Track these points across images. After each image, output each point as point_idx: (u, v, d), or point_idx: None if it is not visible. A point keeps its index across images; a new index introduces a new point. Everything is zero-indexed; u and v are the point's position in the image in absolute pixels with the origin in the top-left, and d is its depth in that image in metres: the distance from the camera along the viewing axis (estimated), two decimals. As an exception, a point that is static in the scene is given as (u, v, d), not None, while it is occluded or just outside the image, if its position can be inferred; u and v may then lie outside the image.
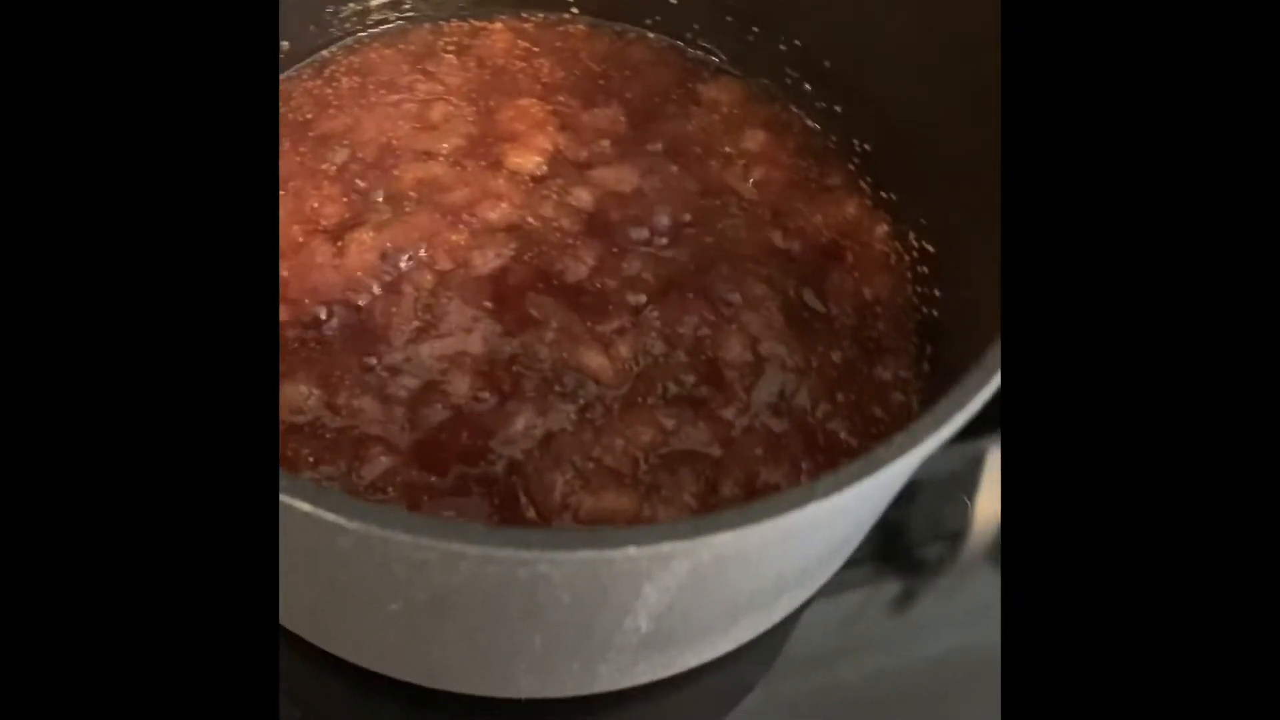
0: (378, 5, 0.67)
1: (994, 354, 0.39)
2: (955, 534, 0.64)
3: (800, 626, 0.58)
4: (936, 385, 0.56)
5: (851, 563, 0.55)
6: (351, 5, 0.66)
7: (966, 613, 0.60)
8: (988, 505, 0.65)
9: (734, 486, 0.54)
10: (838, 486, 0.36)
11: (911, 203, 0.61)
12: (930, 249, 0.60)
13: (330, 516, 0.33)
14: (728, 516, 0.35)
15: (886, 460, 0.36)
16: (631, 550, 0.34)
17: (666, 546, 0.34)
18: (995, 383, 0.39)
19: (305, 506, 0.33)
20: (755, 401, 0.57)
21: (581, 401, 0.56)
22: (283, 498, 0.33)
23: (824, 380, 0.58)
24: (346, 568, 0.38)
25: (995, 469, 0.66)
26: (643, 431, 0.55)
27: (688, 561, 0.36)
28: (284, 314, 0.57)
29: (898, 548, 0.62)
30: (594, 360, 0.57)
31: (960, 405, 0.36)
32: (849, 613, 0.60)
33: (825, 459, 0.56)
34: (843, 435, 0.57)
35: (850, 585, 0.60)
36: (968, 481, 0.65)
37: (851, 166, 0.65)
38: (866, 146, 0.64)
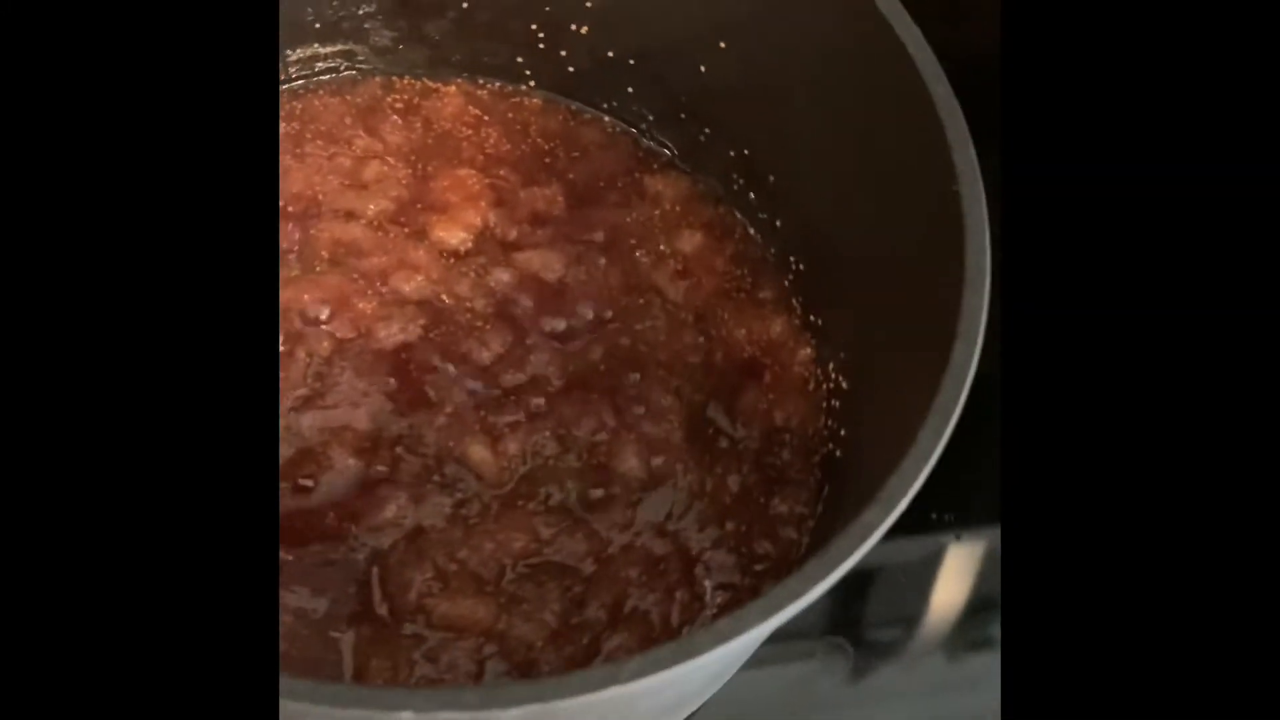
0: (329, 52, 0.65)
1: (863, 524, 0.38)
2: (910, 619, 0.64)
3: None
4: (827, 528, 0.54)
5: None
6: (299, 51, 0.64)
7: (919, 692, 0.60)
8: (944, 595, 0.64)
9: (599, 609, 0.52)
10: (644, 671, 0.33)
11: (837, 332, 0.60)
12: (845, 385, 0.58)
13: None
14: (518, 691, 0.32)
15: (704, 648, 0.34)
16: (407, 715, 0.32)
17: (446, 715, 0.32)
18: (842, 570, 0.37)
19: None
20: (639, 519, 0.55)
21: (459, 496, 0.54)
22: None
23: (715, 506, 0.56)
24: None
25: (954, 560, 0.65)
26: (516, 538, 0.53)
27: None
28: (166, 365, 0.55)
29: (850, 630, 0.62)
30: (479, 454, 0.55)
31: (774, 608, 0.34)
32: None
33: (701, 590, 0.54)
34: (724, 568, 0.54)
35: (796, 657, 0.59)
36: (924, 573, 0.65)
37: (785, 283, 0.63)
38: (802, 266, 0.62)
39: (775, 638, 0.46)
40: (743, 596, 0.54)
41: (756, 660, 0.56)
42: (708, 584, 0.54)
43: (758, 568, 0.55)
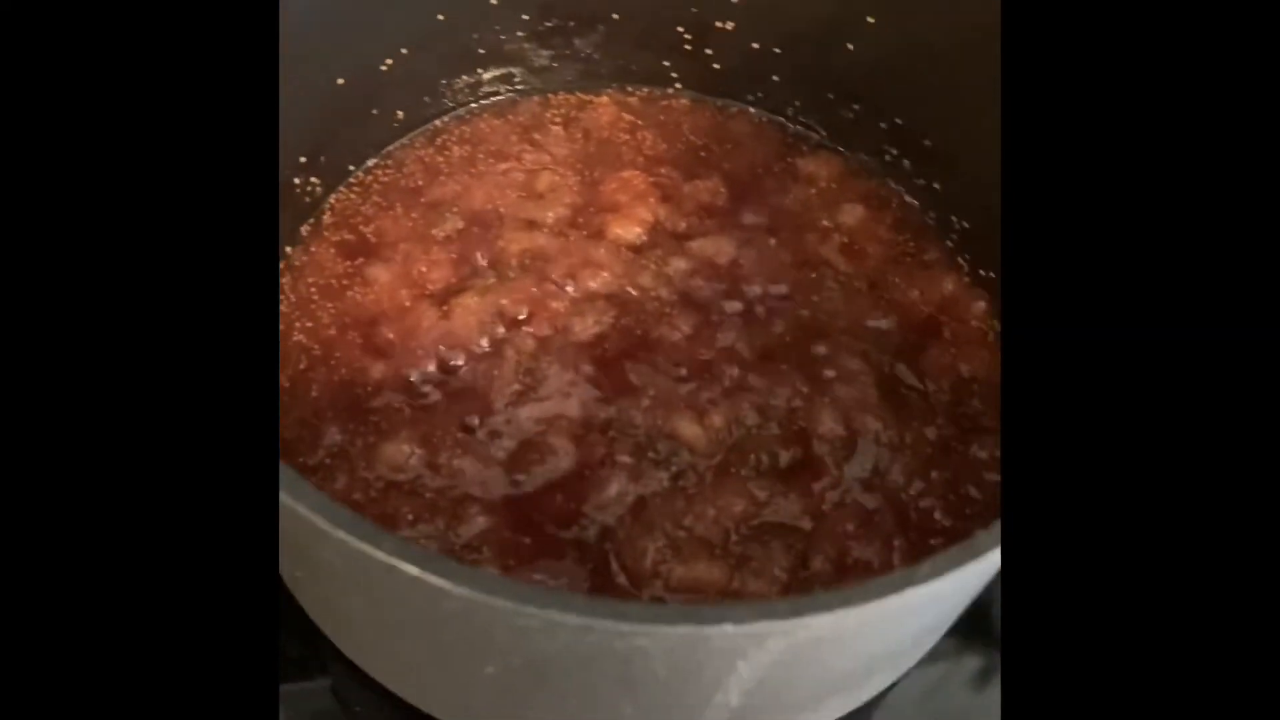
0: (489, 78, 0.69)
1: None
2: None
3: (884, 701, 0.57)
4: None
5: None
6: (464, 78, 0.68)
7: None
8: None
9: (824, 562, 0.54)
10: (937, 572, 0.36)
11: (1011, 281, 0.61)
12: (1029, 329, 0.59)
13: (436, 580, 0.34)
14: (825, 598, 0.35)
15: (987, 546, 0.36)
16: (728, 628, 0.34)
17: (762, 625, 0.34)
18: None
19: (412, 569, 0.34)
20: (848, 476, 0.57)
21: (675, 469, 0.56)
22: (392, 560, 0.34)
23: (918, 457, 0.58)
24: (447, 630, 0.39)
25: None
26: (734, 502, 0.55)
27: (783, 641, 0.36)
28: (388, 374, 0.59)
29: (982, 623, 0.61)
30: (688, 429, 0.57)
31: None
32: (931, 686, 0.59)
33: (918, 537, 0.55)
34: (936, 514, 0.56)
35: (931, 658, 0.59)
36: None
37: (949, 243, 0.66)
38: (965, 224, 0.64)
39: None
40: (959, 540, 0.55)
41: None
42: (924, 530, 0.56)
43: (968, 511, 0.56)
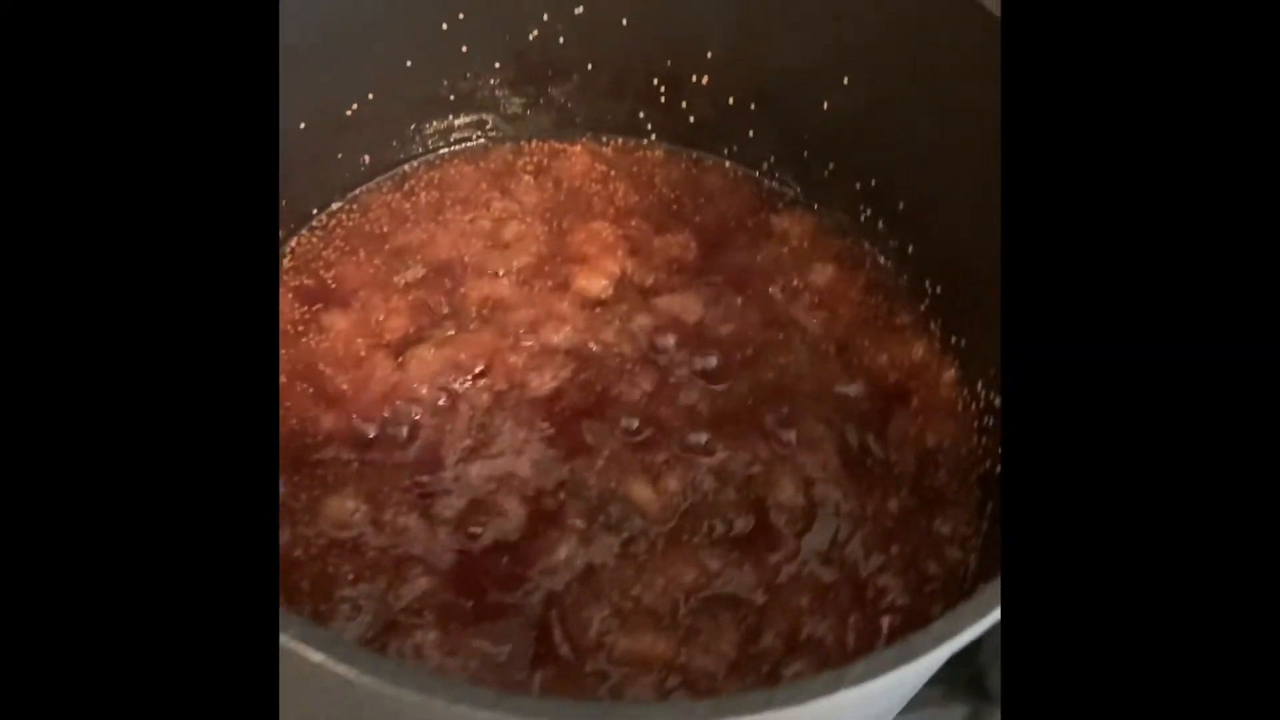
0: (461, 124, 0.68)
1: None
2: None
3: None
4: (993, 545, 0.54)
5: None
6: (435, 123, 0.67)
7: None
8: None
9: (776, 637, 0.52)
10: (870, 674, 0.34)
11: (982, 350, 0.60)
12: (997, 401, 0.58)
13: (341, 669, 0.33)
14: (751, 699, 0.33)
15: (924, 649, 0.34)
16: (644, 728, 0.32)
17: (680, 728, 0.33)
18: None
19: (316, 656, 0.33)
20: (805, 548, 0.55)
21: (626, 535, 0.55)
22: (293, 645, 0.33)
23: (879, 530, 0.56)
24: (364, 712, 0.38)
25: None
26: (685, 572, 0.54)
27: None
28: (338, 426, 0.57)
29: (966, 671, 0.60)
30: (641, 492, 0.56)
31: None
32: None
33: (874, 614, 0.54)
34: (893, 592, 0.54)
35: (916, 707, 0.57)
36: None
37: (922, 307, 0.64)
38: (938, 288, 0.63)
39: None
40: (915, 618, 0.54)
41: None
42: (879, 607, 0.54)
43: (927, 589, 0.55)
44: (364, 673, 0.33)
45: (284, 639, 0.33)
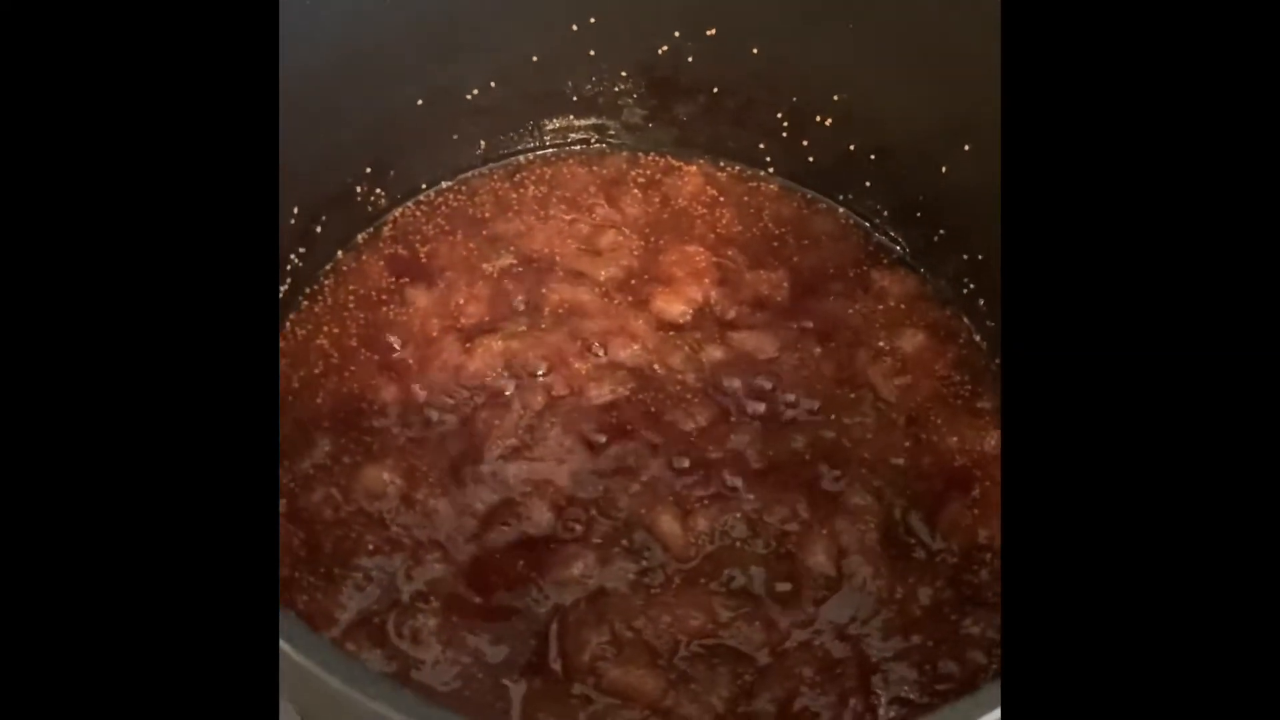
0: (581, 125, 0.69)
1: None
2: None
3: None
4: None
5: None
6: (556, 120, 0.68)
7: None
8: None
9: (769, 702, 0.51)
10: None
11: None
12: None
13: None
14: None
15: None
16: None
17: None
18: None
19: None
20: (821, 617, 0.54)
21: (644, 564, 0.54)
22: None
23: (904, 617, 0.54)
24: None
25: None
26: (694, 615, 0.53)
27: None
28: (395, 399, 0.58)
29: None
30: (668, 525, 0.55)
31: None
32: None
33: (876, 702, 0.51)
34: (904, 684, 0.52)
35: None
36: None
37: (1007, 395, 0.61)
38: (1027, 379, 0.60)
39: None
40: (918, 715, 0.51)
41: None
42: (883, 696, 0.52)
43: (940, 688, 0.52)
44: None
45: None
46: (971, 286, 0.63)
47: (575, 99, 0.67)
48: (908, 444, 0.59)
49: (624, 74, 0.66)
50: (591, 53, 0.64)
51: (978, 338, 0.64)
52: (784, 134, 0.67)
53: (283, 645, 0.33)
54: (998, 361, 0.62)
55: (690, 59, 0.65)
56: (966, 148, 0.59)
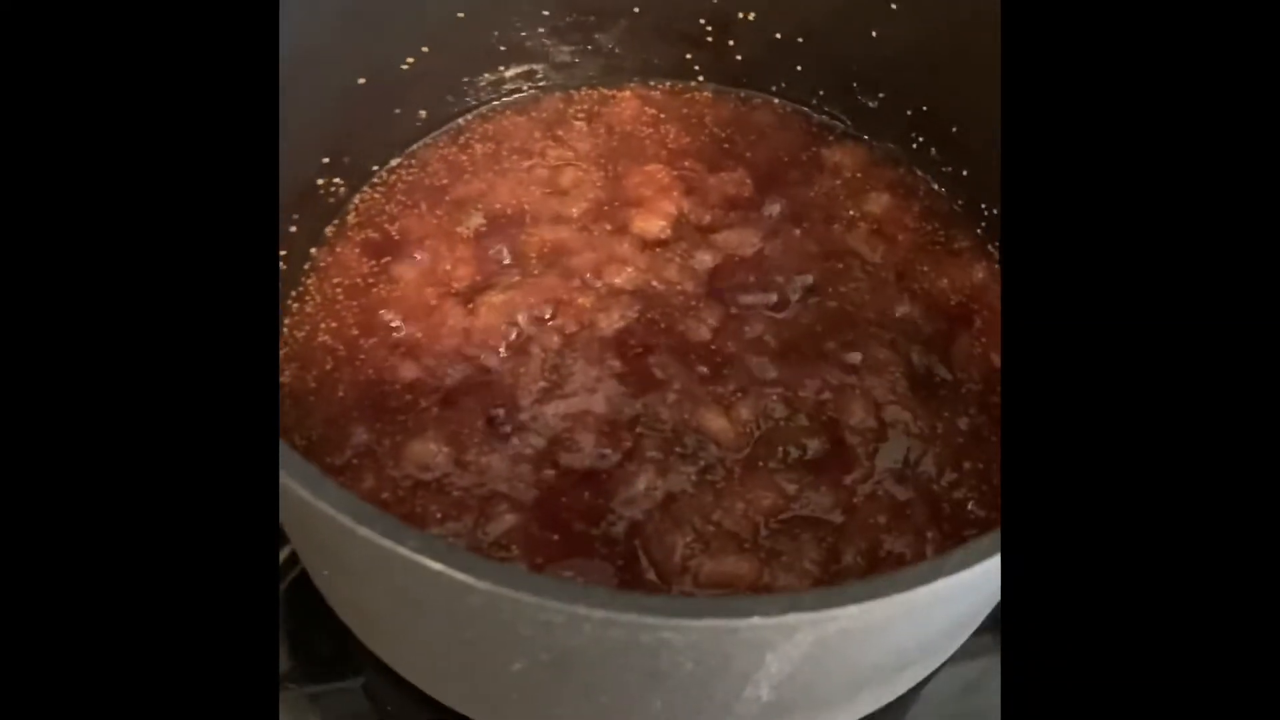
0: (512, 75, 0.69)
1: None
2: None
3: (920, 696, 0.57)
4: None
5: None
6: (486, 75, 0.68)
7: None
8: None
9: (856, 555, 0.53)
10: (966, 562, 0.35)
11: (1042, 267, 0.60)
12: (1062, 315, 0.58)
13: (460, 576, 0.34)
14: (853, 590, 0.34)
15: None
16: (756, 620, 0.34)
17: (791, 618, 0.34)
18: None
19: (436, 565, 0.34)
20: (879, 468, 0.56)
21: (702, 463, 0.56)
22: (415, 556, 0.34)
23: (950, 448, 0.57)
24: (473, 625, 0.39)
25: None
26: (763, 496, 0.55)
27: (811, 633, 0.36)
28: (416, 374, 0.58)
29: None
30: (715, 422, 0.57)
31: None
32: (969, 682, 0.58)
33: (951, 528, 0.55)
34: (970, 505, 0.55)
35: (970, 654, 0.58)
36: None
37: (979, 230, 0.65)
38: (994, 210, 0.63)
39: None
40: (993, 529, 0.54)
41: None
42: (956, 521, 0.55)
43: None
44: (480, 578, 0.34)
45: (404, 551, 0.34)
46: (920, 140, 0.66)
47: (503, 49, 0.67)
48: (904, 296, 0.62)
49: (545, 13, 0.67)
50: (513, -2, 0.65)
51: (936, 185, 0.67)
52: (709, 39, 0.69)
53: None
54: (961, 202, 0.66)
55: (609, -17, 0.66)
56: (893, 6, 0.62)
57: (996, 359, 0.60)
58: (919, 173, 0.67)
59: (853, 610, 0.34)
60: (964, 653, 0.55)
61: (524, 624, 0.36)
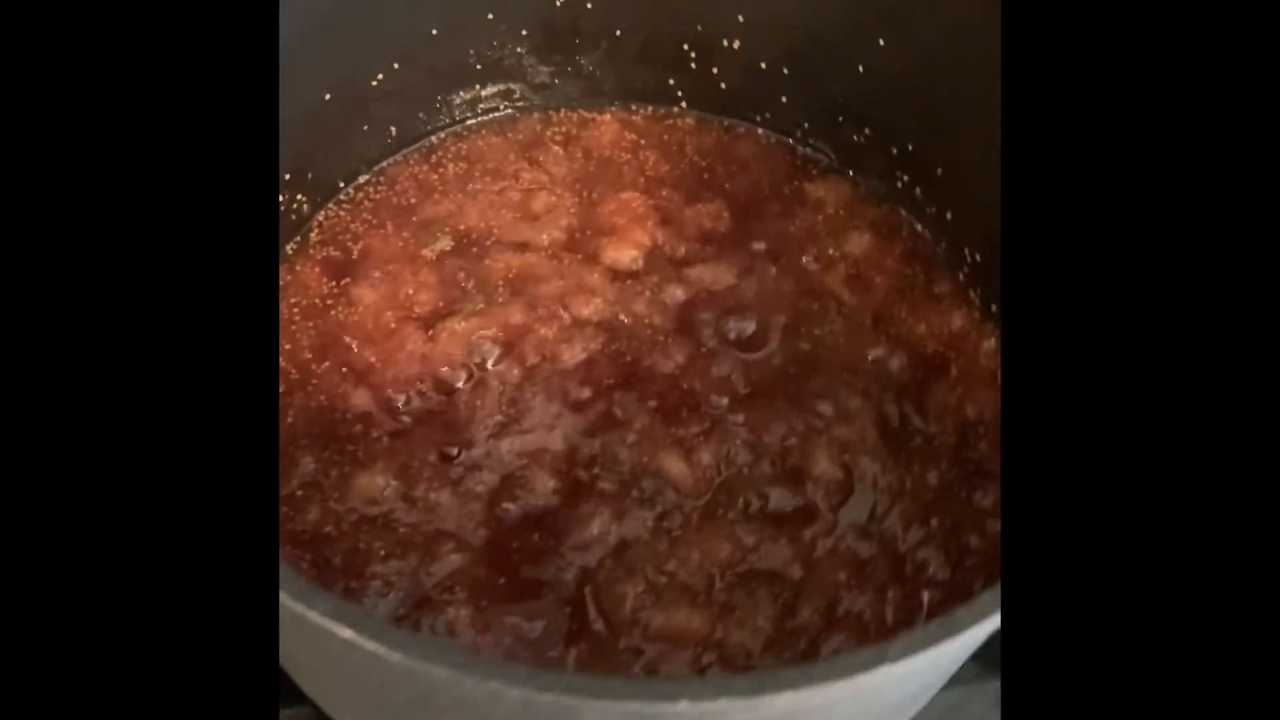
0: (488, 94, 0.67)
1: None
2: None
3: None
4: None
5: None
6: (461, 93, 0.66)
7: None
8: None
9: (813, 613, 0.51)
10: (912, 649, 0.33)
11: (1023, 318, 0.58)
12: (1040, 370, 0.56)
13: (371, 645, 0.32)
14: (789, 676, 0.32)
15: (967, 624, 0.33)
16: (683, 705, 0.32)
17: (722, 703, 0.32)
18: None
19: (346, 633, 0.32)
20: (842, 522, 0.54)
21: (659, 509, 0.54)
22: (324, 622, 0.32)
23: (918, 503, 0.55)
24: (397, 689, 0.37)
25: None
26: (720, 547, 0.53)
27: (745, 717, 0.34)
28: (368, 401, 0.57)
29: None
30: (674, 466, 0.55)
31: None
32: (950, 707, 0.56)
33: (913, 589, 0.53)
34: (933, 566, 0.53)
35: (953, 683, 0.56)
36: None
37: (961, 276, 0.63)
38: (977, 256, 0.61)
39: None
40: (956, 593, 0.53)
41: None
42: (919, 581, 0.53)
43: (968, 563, 0.53)
44: (392, 649, 0.32)
45: (314, 615, 0.32)
46: (905, 179, 0.64)
47: (479, 67, 0.65)
48: (880, 341, 0.60)
49: (524, 32, 0.65)
50: (490, 16, 0.63)
51: (919, 227, 0.65)
52: (693, 64, 0.67)
53: (324, 623, 0.32)
54: (943, 245, 0.64)
55: (589, 5, 0.64)
56: (881, 42, 0.60)
57: (972, 410, 0.58)
58: (903, 212, 0.65)
59: (788, 697, 0.32)
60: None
61: (444, 695, 0.34)
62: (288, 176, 0.60)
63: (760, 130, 0.69)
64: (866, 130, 0.65)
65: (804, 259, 0.63)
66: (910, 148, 0.63)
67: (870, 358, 0.60)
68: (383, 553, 0.52)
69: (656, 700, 0.32)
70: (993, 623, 0.34)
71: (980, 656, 0.57)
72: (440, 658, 0.32)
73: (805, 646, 0.51)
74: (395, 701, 0.39)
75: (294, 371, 0.58)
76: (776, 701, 0.32)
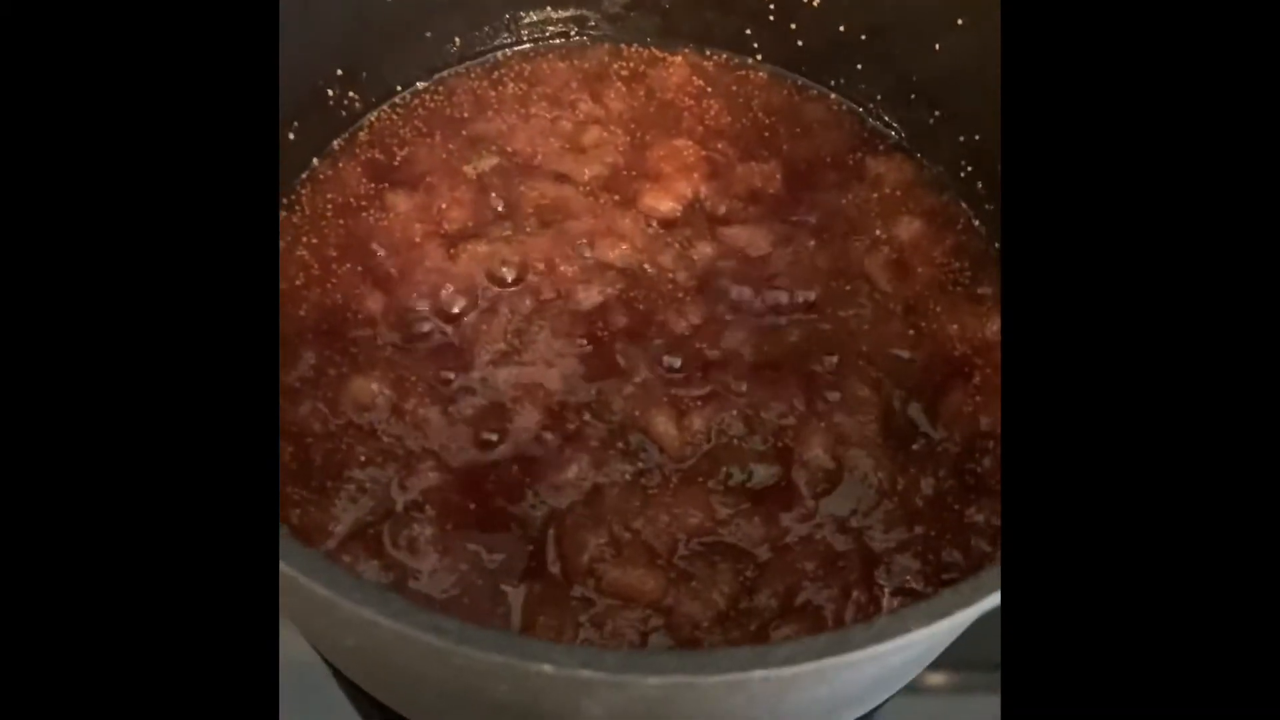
0: (560, 17, 0.66)
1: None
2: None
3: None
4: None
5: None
6: (533, 14, 0.65)
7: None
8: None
9: (771, 597, 0.50)
10: (795, 658, 0.32)
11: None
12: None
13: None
14: (661, 660, 0.31)
15: (857, 643, 0.32)
16: (547, 668, 0.31)
17: (585, 674, 0.31)
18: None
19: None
20: (822, 511, 0.53)
21: (640, 465, 0.53)
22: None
23: (906, 507, 0.53)
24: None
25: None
26: (692, 514, 0.52)
27: (619, 693, 0.33)
28: (378, 308, 0.57)
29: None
30: (663, 426, 0.54)
31: (940, 613, 0.32)
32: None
33: (879, 593, 0.51)
34: (908, 575, 0.51)
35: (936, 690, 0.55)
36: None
37: (1008, 280, 0.59)
38: (1028, 263, 0.58)
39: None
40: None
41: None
42: (887, 588, 0.51)
43: (944, 577, 0.51)
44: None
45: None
46: (969, 170, 0.61)
47: (554, -12, 0.64)
48: (907, 333, 0.58)
49: (602, -41, 0.63)
50: (570, -64, 0.61)
51: (976, 223, 0.62)
52: (771, 18, 0.64)
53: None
54: (997, 246, 0.60)
55: (672, -59, 0.62)
56: (960, 22, 0.56)
57: (985, 422, 0.55)
58: (962, 204, 0.62)
59: (653, 681, 0.31)
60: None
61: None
62: (340, 72, 0.60)
63: (833, 95, 0.66)
64: (938, 112, 0.62)
65: (849, 237, 0.61)
66: (978, 138, 0.60)
67: (891, 350, 0.57)
68: (363, 459, 0.53)
69: (527, 659, 0.31)
70: (887, 648, 0.32)
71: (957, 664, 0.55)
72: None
73: (755, 629, 0.50)
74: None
75: (316, 267, 0.58)
76: (642, 684, 0.32)
